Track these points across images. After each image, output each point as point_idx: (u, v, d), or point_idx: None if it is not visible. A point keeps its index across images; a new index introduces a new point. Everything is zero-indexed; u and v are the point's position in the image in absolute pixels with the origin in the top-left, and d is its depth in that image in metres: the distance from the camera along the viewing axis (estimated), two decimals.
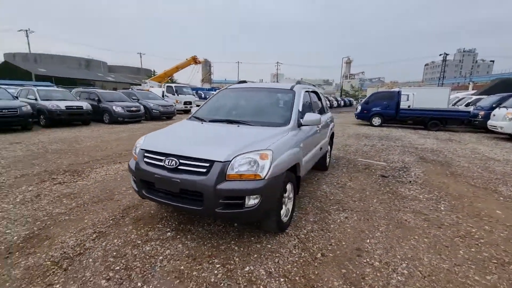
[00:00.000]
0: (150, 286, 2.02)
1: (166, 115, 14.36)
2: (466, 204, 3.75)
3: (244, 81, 4.40)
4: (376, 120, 13.70)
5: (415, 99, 14.34)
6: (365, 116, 14.09)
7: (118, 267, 2.22)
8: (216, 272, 2.19)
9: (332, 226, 3.04)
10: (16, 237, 2.63)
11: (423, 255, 2.51)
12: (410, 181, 4.75)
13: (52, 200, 3.53)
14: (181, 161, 2.42)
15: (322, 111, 4.84)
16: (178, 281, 2.08)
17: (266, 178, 2.33)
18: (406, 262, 2.40)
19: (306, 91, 4.01)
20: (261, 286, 2.04)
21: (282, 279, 2.13)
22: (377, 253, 2.53)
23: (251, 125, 3.11)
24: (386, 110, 13.43)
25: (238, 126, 3.08)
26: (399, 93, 13.31)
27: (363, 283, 2.11)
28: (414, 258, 2.45)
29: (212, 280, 2.10)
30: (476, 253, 2.57)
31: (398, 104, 13.10)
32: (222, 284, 2.05)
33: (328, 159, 5.35)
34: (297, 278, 2.15)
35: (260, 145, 2.50)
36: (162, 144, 2.67)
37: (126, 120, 12.02)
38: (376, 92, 15.14)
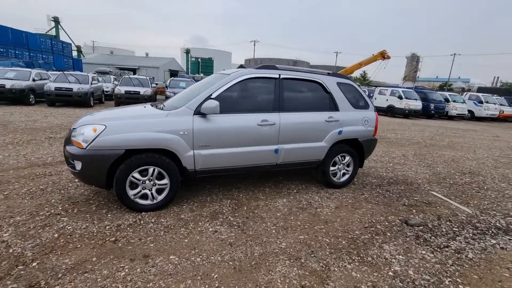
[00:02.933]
0: (22, 202, 3.02)
1: None
2: None
3: (242, 66, 4.21)
4: None
5: None
6: None
7: (31, 184, 3.41)
8: (51, 212, 2.83)
9: (182, 230, 2.62)
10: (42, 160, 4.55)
11: None
12: (445, 247, 2.60)
13: None
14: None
15: (325, 107, 3.66)
16: (36, 204, 2.94)
17: (87, 148, 2.60)
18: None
19: (259, 77, 3.29)
20: (46, 232, 2.45)
21: (55, 234, 2.40)
22: (150, 271, 2.04)
23: (160, 108, 3.23)
24: None
25: (145, 107, 3.32)
26: None
27: (68, 277, 1.95)
28: None
29: (29, 210, 2.77)
30: None
31: None
32: (30, 220, 2.67)
33: (344, 176, 3.92)
34: (61, 241, 2.32)
35: (106, 121, 2.73)
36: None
37: None
38: None
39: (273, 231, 2.72)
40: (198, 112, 2.93)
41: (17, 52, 28.51)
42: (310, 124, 3.50)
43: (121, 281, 1.91)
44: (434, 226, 2.99)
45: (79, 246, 2.29)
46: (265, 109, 3.30)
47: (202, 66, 50.89)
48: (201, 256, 2.24)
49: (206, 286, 1.92)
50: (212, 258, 2.24)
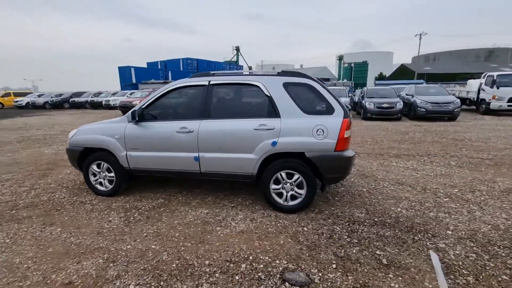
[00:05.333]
0: (70, 176, 4.71)
1: (436, 114, 11.20)
2: None
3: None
4: None
5: None
6: None
7: None
8: (65, 185, 4.29)
9: (95, 214, 3.26)
10: None
11: None
12: None
13: None
14: None
15: (262, 113, 3.16)
16: (71, 178, 4.54)
17: (68, 143, 3.81)
18: None
19: (190, 86, 3.35)
20: (45, 195, 3.88)
21: (46, 197, 3.74)
22: (35, 233, 2.86)
23: None
24: None
25: None
26: None
27: (8, 223, 3.09)
28: None
29: (60, 181, 4.29)
30: None
31: None
32: (52, 185, 4.19)
33: (294, 199, 3.14)
34: (41, 202, 3.61)
35: (81, 126, 3.86)
36: None
37: (374, 116, 11.77)
38: None
39: (144, 234, 2.80)
40: (132, 118, 3.48)
41: None
42: (233, 132, 3.12)
43: (17, 234, 2.83)
44: None
45: (40, 208, 3.47)
46: (190, 116, 3.33)
47: (355, 71, 48.50)
48: (70, 234, 2.80)
49: (33, 253, 2.48)
50: (72, 238, 2.74)
